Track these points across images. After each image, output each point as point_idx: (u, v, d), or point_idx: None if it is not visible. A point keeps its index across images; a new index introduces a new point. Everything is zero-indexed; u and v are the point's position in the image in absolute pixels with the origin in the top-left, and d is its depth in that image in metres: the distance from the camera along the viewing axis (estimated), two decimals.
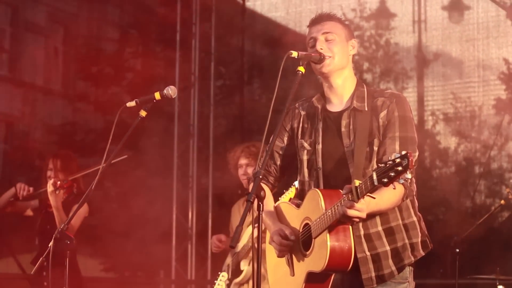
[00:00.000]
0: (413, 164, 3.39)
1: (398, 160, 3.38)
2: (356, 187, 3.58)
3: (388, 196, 3.82)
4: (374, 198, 3.65)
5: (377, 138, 3.98)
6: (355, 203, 3.63)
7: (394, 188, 3.53)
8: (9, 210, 7.06)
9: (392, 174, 3.39)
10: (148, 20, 11.87)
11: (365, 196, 3.60)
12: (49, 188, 6.53)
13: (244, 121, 11.80)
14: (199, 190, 11.22)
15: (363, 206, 3.67)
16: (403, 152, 3.39)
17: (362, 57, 12.69)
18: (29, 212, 7.18)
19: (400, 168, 3.37)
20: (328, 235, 3.82)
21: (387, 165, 3.42)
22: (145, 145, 9.77)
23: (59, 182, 6.52)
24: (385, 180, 3.42)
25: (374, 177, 3.46)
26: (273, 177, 4.34)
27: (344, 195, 3.69)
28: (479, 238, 9.09)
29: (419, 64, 12.03)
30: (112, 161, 6.12)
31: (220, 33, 11.68)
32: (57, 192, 6.53)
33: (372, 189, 3.55)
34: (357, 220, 3.73)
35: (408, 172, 3.37)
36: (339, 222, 3.77)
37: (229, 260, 6.67)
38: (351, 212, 3.66)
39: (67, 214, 6.39)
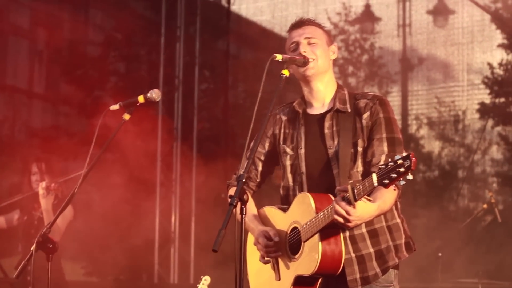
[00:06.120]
0: (416, 165, 3.39)
1: (400, 161, 3.37)
2: (353, 188, 3.56)
3: (389, 199, 3.82)
4: (370, 200, 3.64)
5: (361, 139, 3.98)
6: (349, 207, 3.60)
7: (394, 190, 3.54)
8: None
9: (394, 175, 3.38)
10: (133, 23, 11.83)
11: (362, 198, 3.59)
12: (41, 191, 6.53)
13: (228, 124, 11.79)
14: (182, 194, 11.19)
15: (359, 210, 3.63)
16: (404, 154, 3.39)
17: (346, 61, 12.70)
18: (1, 225, 7.15)
19: (402, 169, 3.36)
20: (319, 238, 3.80)
21: (388, 166, 3.41)
22: (128, 149, 9.73)
23: (52, 185, 6.52)
24: (386, 181, 3.41)
25: (374, 178, 3.45)
26: (253, 182, 4.34)
27: (337, 196, 3.66)
28: (462, 242, 9.11)
29: (404, 68, 12.05)
30: (69, 177, 6.14)
31: (205, 36, 11.67)
32: (49, 195, 6.52)
33: (371, 191, 3.54)
34: (351, 225, 3.70)
35: (409, 173, 3.36)
36: (331, 225, 3.75)
37: None
38: (342, 213, 3.62)
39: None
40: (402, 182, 3.39)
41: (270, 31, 12.29)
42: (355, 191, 3.56)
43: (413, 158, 3.35)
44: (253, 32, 12.52)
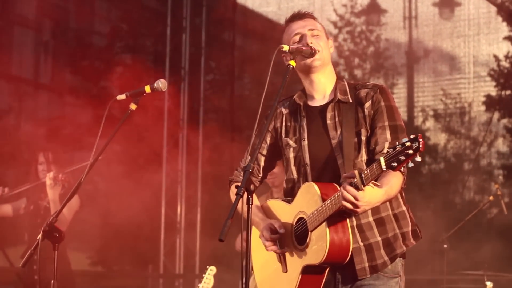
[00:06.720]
0: (424, 146, 3.39)
1: (408, 143, 3.37)
2: (360, 173, 3.56)
3: (396, 184, 3.81)
4: (378, 185, 3.64)
5: (364, 128, 3.98)
6: (357, 192, 3.60)
7: (402, 173, 3.52)
8: None
9: (402, 157, 3.38)
10: (139, 14, 11.83)
11: (370, 183, 3.58)
12: (48, 181, 6.54)
13: (234, 115, 11.79)
14: (188, 185, 11.21)
15: (367, 195, 3.62)
16: (412, 136, 3.39)
17: (352, 53, 12.69)
18: (7, 213, 7.16)
19: (410, 151, 3.36)
20: (327, 226, 3.79)
21: (396, 149, 3.40)
22: (135, 139, 9.74)
23: (60, 175, 6.54)
24: (395, 164, 3.41)
25: (382, 162, 3.44)
26: (256, 177, 4.31)
27: (344, 182, 3.65)
28: (467, 234, 9.11)
29: (410, 60, 12.04)
30: (76, 167, 6.13)
31: (211, 27, 11.67)
32: (56, 185, 6.54)
33: (379, 175, 3.54)
34: (359, 210, 3.68)
35: (418, 155, 3.37)
36: (337, 214, 3.75)
37: None
38: (350, 198, 3.61)
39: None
40: (411, 164, 3.39)
41: (276, 23, 12.29)
42: (363, 175, 3.56)
43: (421, 140, 3.36)
44: (259, 23, 12.51)
